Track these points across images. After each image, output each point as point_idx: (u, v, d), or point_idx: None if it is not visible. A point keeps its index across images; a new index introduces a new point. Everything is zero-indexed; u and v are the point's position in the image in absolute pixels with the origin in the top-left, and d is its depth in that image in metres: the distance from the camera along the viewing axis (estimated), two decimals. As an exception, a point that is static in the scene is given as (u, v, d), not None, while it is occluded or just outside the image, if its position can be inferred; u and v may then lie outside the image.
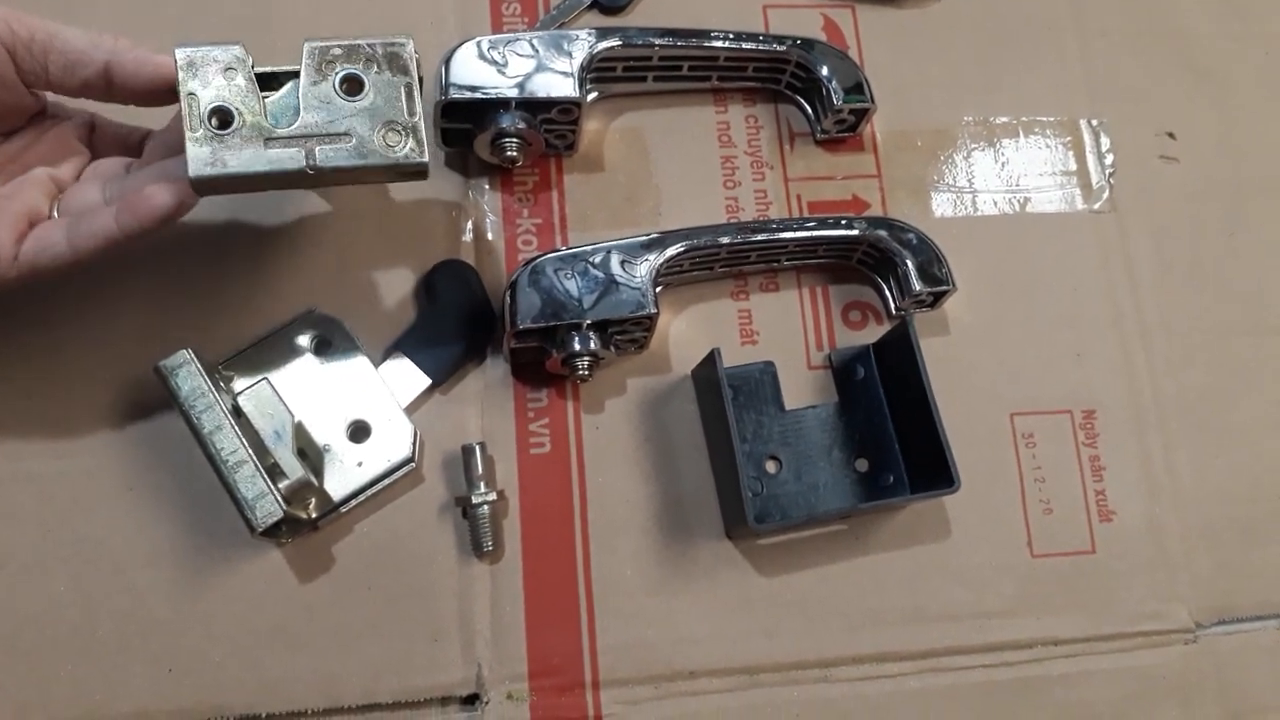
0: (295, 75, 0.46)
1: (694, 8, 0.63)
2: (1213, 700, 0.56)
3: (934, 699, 0.54)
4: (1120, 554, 0.57)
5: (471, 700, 0.51)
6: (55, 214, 0.46)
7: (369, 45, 0.46)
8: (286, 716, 0.50)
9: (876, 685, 0.54)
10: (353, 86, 0.46)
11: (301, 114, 0.45)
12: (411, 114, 0.46)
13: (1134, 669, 0.56)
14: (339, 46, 0.46)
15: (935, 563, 0.56)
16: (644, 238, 0.54)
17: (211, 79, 0.44)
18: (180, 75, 0.44)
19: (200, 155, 0.44)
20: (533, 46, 0.54)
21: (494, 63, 0.53)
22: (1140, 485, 0.58)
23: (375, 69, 0.46)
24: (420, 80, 0.47)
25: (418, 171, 0.47)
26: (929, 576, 0.55)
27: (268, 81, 0.46)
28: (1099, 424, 0.59)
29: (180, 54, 0.44)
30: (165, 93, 0.46)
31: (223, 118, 0.44)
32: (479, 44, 0.54)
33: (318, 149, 0.45)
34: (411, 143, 0.46)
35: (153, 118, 0.49)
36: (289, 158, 0.45)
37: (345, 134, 0.46)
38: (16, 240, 0.44)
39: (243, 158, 0.44)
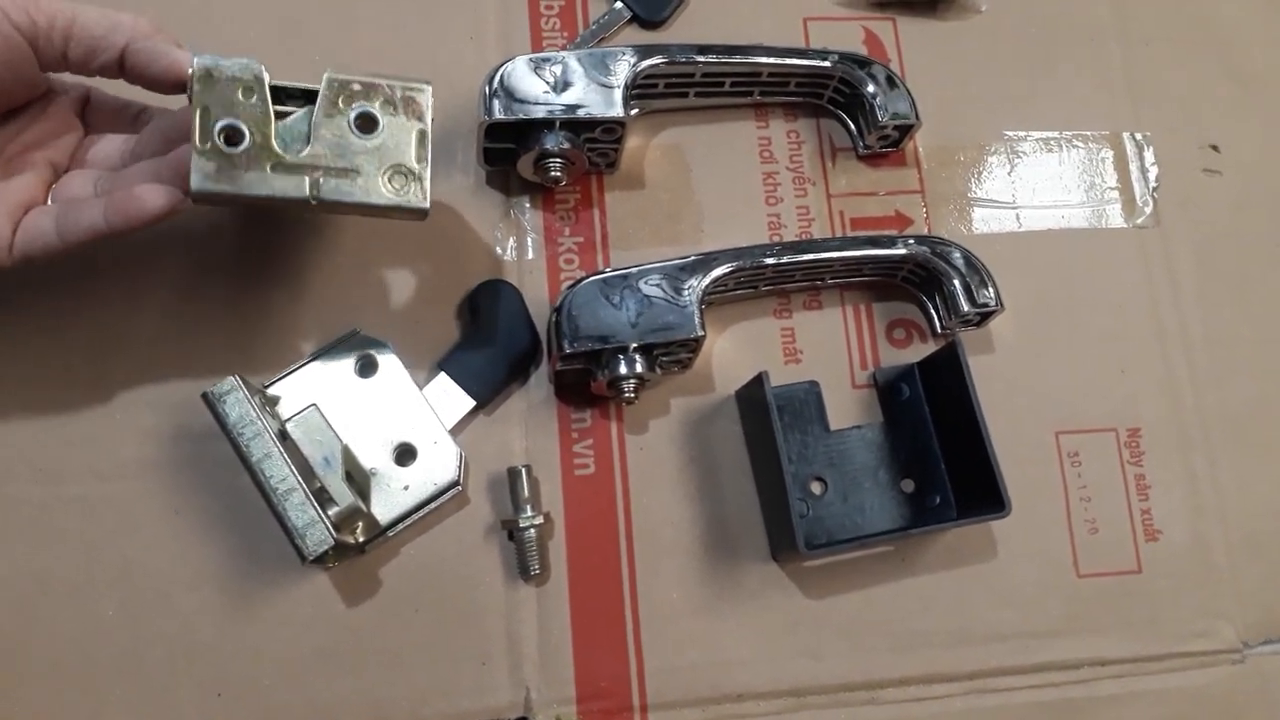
0: (310, 95, 0.45)
1: (733, 20, 0.62)
2: (1260, 720, 0.56)
3: (981, 720, 0.54)
4: (1166, 573, 0.57)
5: (519, 723, 0.52)
6: (50, 200, 0.47)
7: (388, 86, 0.46)
8: (336, 741, 0.50)
9: (923, 707, 0.54)
10: (366, 124, 0.46)
11: (311, 143, 0.45)
12: (420, 159, 0.47)
13: (1181, 689, 0.55)
14: (358, 83, 0.45)
15: (981, 583, 0.55)
16: (689, 259, 0.53)
17: (227, 95, 0.43)
18: (195, 86, 0.43)
19: (204, 169, 0.44)
20: (577, 65, 0.53)
21: (538, 82, 0.53)
22: (1186, 503, 0.58)
23: (391, 110, 0.46)
24: (431, 126, 0.48)
25: (418, 214, 0.47)
26: (975, 597, 0.55)
27: (281, 97, 0.45)
28: (1144, 442, 0.59)
29: (197, 63, 0.43)
30: (177, 86, 0.45)
31: (233, 136, 0.44)
32: (523, 63, 0.53)
33: (323, 180, 0.46)
34: (416, 188, 0.47)
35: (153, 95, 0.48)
36: (293, 186, 0.45)
37: (353, 170, 0.46)
38: (13, 230, 0.45)
39: (247, 179, 0.44)
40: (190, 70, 0.43)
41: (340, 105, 0.45)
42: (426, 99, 0.47)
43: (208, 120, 0.43)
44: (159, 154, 0.48)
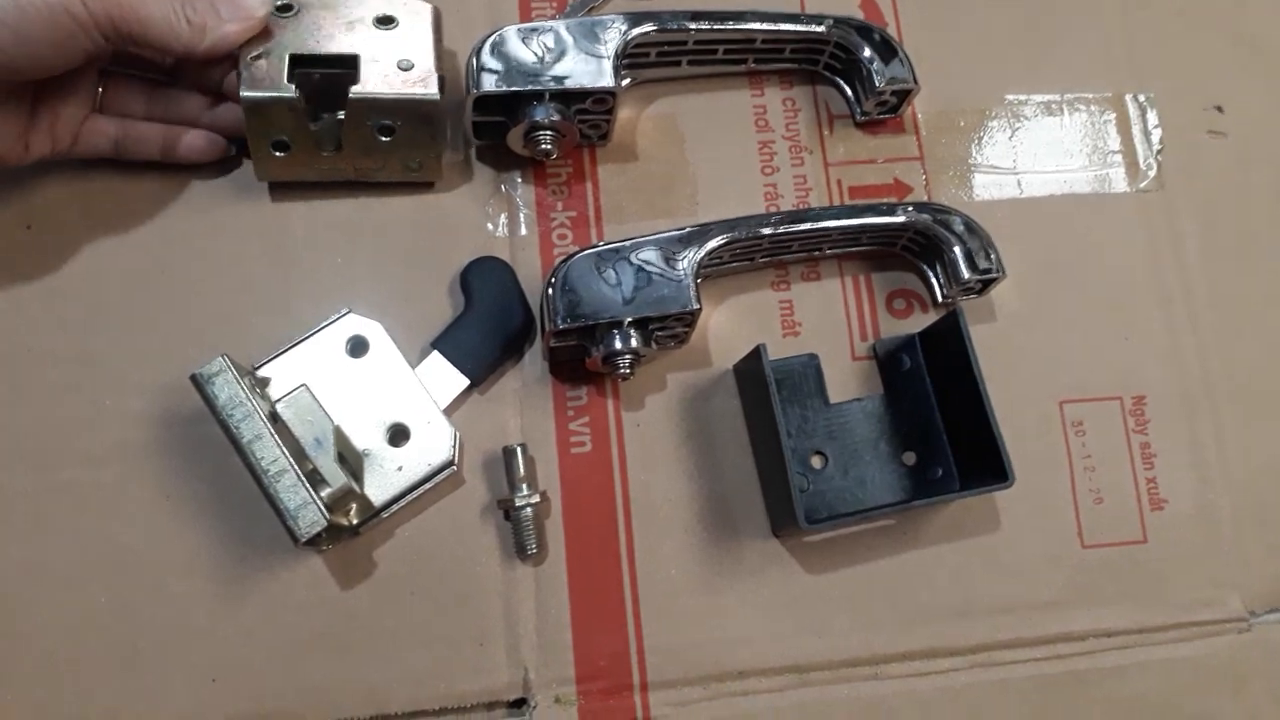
0: (330, 59, 0.50)
1: (726, -14, 0.61)
2: (1266, 690, 0.55)
3: (986, 694, 0.53)
4: (1172, 542, 0.56)
5: (519, 704, 0.51)
6: (100, 104, 0.52)
7: (404, 101, 0.50)
8: (332, 724, 0.50)
9: (928, 681, 0.53)
10: (385, 130, 0.51)
11: (343, 145, 0.52)
12: (434, 149, 0.53)
13: (1187, 659, 0.55)
14: (378, 103, 0.50)
15: (985, 556, 0.55)
16: (684, 230, 0.52)
17: (274, 118, 0.50)
18: (248, 117, 0.50)
19: (262, 167, 0.53)
20: (566, 35, 0.52)
21: (527, 53, 0.52)
22: (1191, 472, 0.57)
23: (404, 119, 0.51)
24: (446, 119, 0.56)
25: (429, 185, 0.57)
26: (979, 570, 0.54)
27: (313, 63, 0.50)
28: (1149, 409, 0.58)
29: (246, 99, 0.49)
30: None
31: (281, 147, 0.52)
32: (510, 33, 0.52)
33: (355, 167, 0.54)
34: (430, 169, 0.55)
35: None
36: (334, 170, 0.54)
37: (379, 160, 0.54)
38: (74, 139, 0.51)
39: (297, 170, 0.54)
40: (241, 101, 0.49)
41: (363, 117, 0.50)
42: (439, 109, 0.51)
43: (259, 136, 0.51)
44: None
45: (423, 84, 0.50)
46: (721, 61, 0.58)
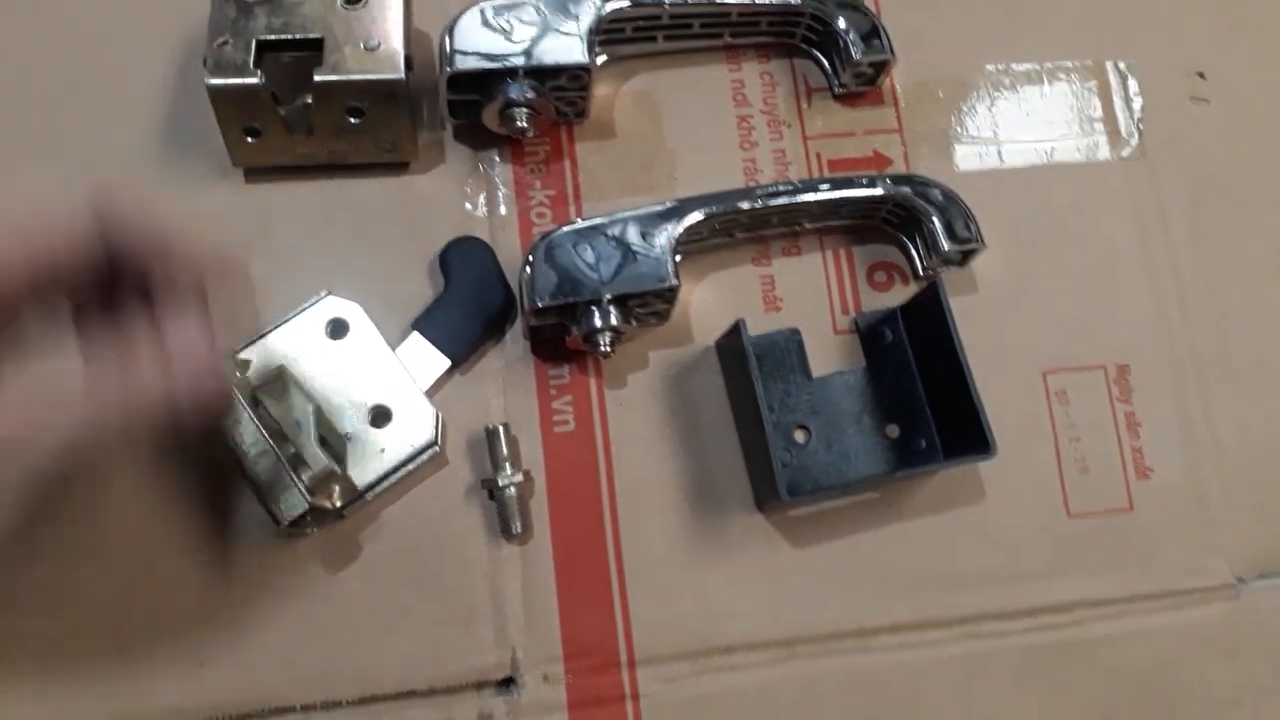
0: (300, 44, 0.50)
1: (702, -38, 0.60)
2: (1259, 655, 0.55)
3: (974, 665, 0.53)
4: (1159, 510, 0.56)
5: (507, 683, 0.51)
6: None
7: (369, 81, 0.50)
8: (322, 707, 0.50)
9: (916, 653, 0.53)
10: (354, 111, 0.51)
11: (314, 129, 0.52)
12: (402, 131, 0.53)
13: (1177, 627, 0.55)
14: (342, 84, 0.50)
15: (970, 526, 0.54)
16: (661, 207, 0.52)
17: (242, 105, 0.50)
18: (215, 105, 0.50)
19: (236, 153, 0.53)
20: (538, 11, 0.52)
21: (499, 30, 0.51)
22: (1177, 439, 0.57)
23: (372, 100, 0.51)
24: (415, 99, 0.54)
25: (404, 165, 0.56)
26: (964, 541, 0.54)
27: (284, 46, 0.50)
28: (1133, 378, 0.57)
29: (214, 85, 0.49)
30: None
31: (253, 132, 0.52)
32: (482, 11, 0.52)
33: (328, 150, 0.54)
34: (404, 149, 0.55)
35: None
36: (307, 154, 0.54)
37: (351, 144, 0.54)
38: None
39: (269, 156, 0.54)
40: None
41: (331, 100, 0.50)
42: (402, 88, 0.50)
43: (229, 123, 0.51)
44: None
45: (389, 63, 0.50)
46: (697, 36, 0.58)
